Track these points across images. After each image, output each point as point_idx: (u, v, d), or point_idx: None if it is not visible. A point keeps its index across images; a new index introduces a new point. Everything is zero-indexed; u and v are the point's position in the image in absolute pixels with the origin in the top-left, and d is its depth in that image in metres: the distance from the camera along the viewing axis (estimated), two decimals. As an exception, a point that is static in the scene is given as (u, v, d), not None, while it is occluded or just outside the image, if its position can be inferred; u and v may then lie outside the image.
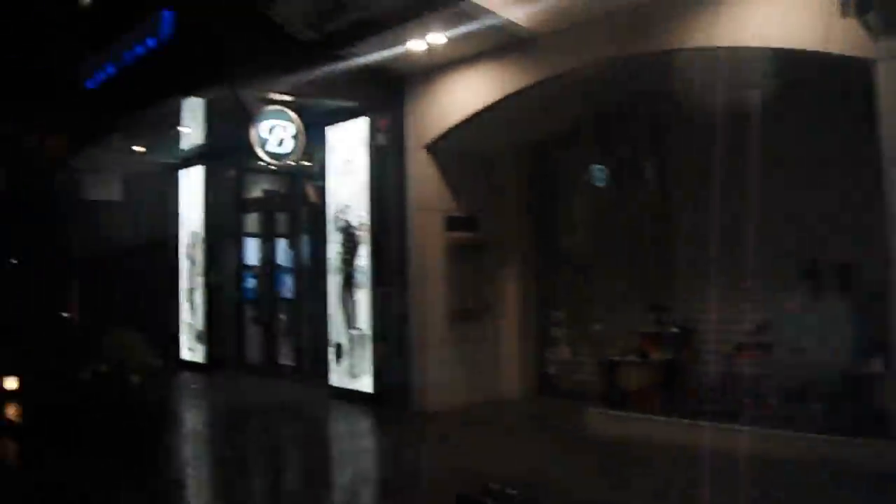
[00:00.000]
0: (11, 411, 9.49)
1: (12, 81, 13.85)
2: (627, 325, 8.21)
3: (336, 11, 7.44)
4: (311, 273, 11.23)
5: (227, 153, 12.23)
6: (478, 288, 9.49)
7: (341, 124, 9.57)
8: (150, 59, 9.70)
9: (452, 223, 9.17)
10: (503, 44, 7.81)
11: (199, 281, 12.94)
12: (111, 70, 10.79)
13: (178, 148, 12.61)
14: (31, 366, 11.35)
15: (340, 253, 9.52)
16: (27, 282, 20.87)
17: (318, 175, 11.16)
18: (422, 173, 9.02)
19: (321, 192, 10.33)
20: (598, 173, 9.03)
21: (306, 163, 11.38)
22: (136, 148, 12.75)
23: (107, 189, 14.34)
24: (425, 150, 8.97)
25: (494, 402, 9.25)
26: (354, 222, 9.31)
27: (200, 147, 12.40)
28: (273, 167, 12.27)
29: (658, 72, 7.18)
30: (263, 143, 8.51)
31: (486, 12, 7.07)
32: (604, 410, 7.54)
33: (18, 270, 23.72)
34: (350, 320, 9.38)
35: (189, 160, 13.19)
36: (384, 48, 7.86)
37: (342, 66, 8.31)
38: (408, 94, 9.11)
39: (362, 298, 9.22)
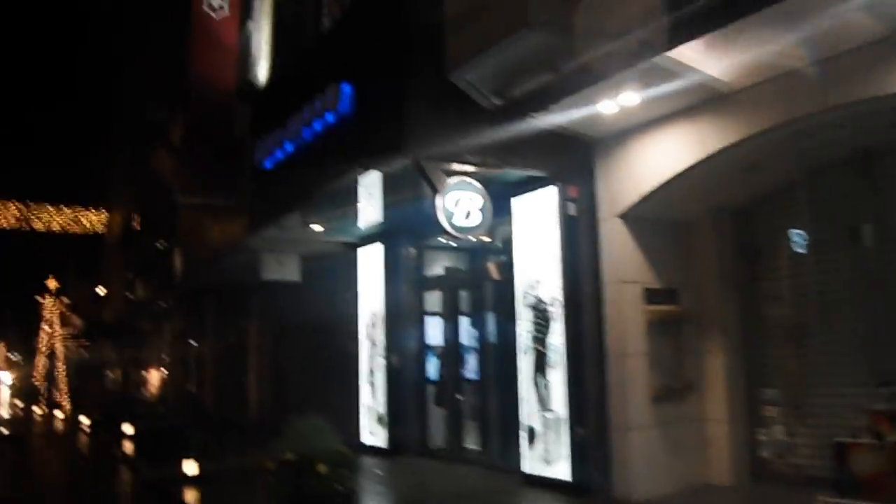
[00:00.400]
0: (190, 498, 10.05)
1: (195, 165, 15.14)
2: (851, 402, 7.89)
3: (523, 74, 7.78)
4: (498, 353, 11.44)
5: (406, 230, 12.82)
6: (680, 364, 9.41)
7: (528, 195, 9.85)
8: (329, 134, 10.42)
9: (650, 295, 9.19)
10: (700, 101, 7.90)
11: (380, 362, 13.32)
12: (289, 148, 11.61)
13: (356, 226, 13.27)
14: (212, 452, 12.06)
15: (531, 331, 9.71)
16: (210, 366, 22.27)
17: (501, 250, 11.52)
18: (616, 243, 9.13)
19: (504, 267, 10.60)
20: (809, 236, 8.87)
21: (486, 238, 11.74)
22: (314, 227, 13.50)
23: (285, 270, 15.17)
24: (619, 219, 9.10)
25: (704, 489, 9.05)
26: (545, 298, 9.50)
27: (379, 225, 12.98)
28: (453, 244, 12.96)
29: (877, 122, 7.09)
30: (450, 216, 8.91)
31: (683, 68, 7.22)
32: (834, 499, 7.25)
33: (200, 354, 25.43)
34: (543, 402, 9.50)
35: (368, 238, 13.81)
36: (573, 112, 8.07)
37: (528, 132, 8.57)
38: (598, 159, 9.30)
39: (556, 378, 9.34)
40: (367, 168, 9.76)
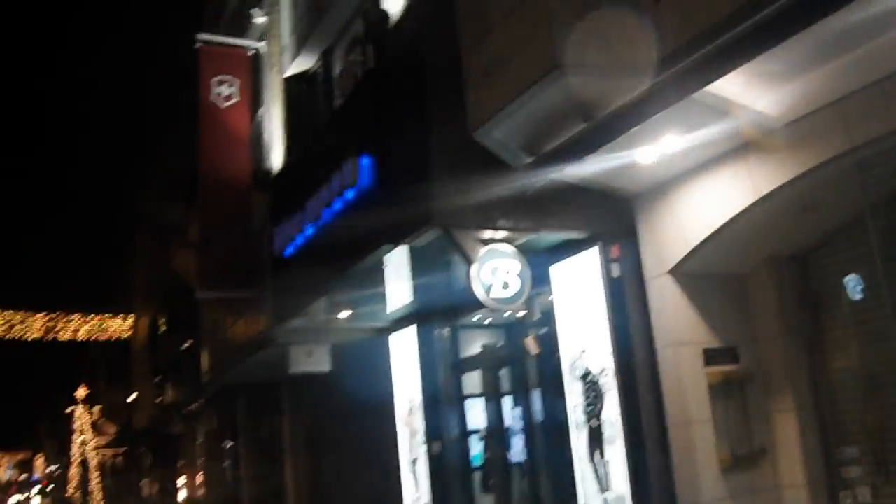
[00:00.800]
0: None
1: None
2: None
3: (554, 127, 7.22)
4: (547, 432, 10.74)
5: (439, 310, 12.21)
6: (748, 429, 8.66)
7: (567, 260, 9.23)
8: (350, 212, 9.92)
9: (710, 356, 8.50)
10: (746, 139, 7.32)
11: (421, 450, 12.58)
12: (309, 232, 11.13)
13: (386, 310, 12.71)
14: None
15: (582, 405, 9.00)
16: (246, 465, 21.73)
17: (541, 322, 10.92)
18: (667, 303, 8.48)
19: (546, 339, 10.04)
20: (876, 278, 8.17)
21: (522, 312, 11.20)
22: (341, 314, 13.01)
23: (315, 361, 14.64)
24: (668, 276, 8.46)
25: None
26: (595, 368, 8.81)
27: (410, 306, 12.43)
28: (489, 320, 12.36)
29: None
30: (487, 288, 8.29)
31: (726, 104, 6.66)
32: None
33: (235, 454, 24.91)
34: (602, 482, 8.73)
35: (399, 322, 13.22)
36: (610, 162, 7.53)
37: (563, 191, 8.14)
38: (640, 214, 8.72)
39: (614, 455, 8.58)
40: (393, 243, 9.21)
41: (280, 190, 14.00)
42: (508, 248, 8.50)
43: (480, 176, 8.11)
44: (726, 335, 8.70)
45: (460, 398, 12.65)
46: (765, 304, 8.93)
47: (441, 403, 12.50)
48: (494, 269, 8.37)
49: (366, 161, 9.54)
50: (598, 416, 8.79)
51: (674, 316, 8.47)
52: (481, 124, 7.39)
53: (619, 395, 8.55)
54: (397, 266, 10.74)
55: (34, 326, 42.15)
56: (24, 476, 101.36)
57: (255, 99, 16.19)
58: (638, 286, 8.72)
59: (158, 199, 33.63)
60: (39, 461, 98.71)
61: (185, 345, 27.18)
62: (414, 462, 12.77)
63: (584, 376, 8.97)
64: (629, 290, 8.76)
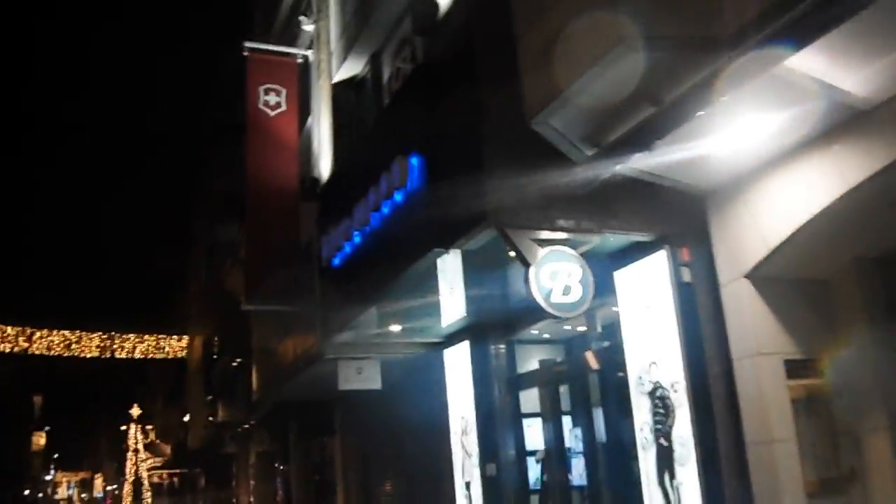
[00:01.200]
0: None
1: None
2: None
3: (619, 113, 6.57)
4: (611, 452, 10.00)
5: (493, 324, 11.66)
6: (835, 450, 7.89)
7: (632, 266, 8.55)
8: (399, 216, 9.37)
9: (792, 368, 7.74)
10: (834, 124, 6.60)
11: (475, 472, 11.95)
12: (357, 239, 10.63)
13: (438, 323, 12.13)
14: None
15: (650, 423, 8.27)
16: (297, 488, 21.39)
17: (602, 335, 10.29)
18: (744, 309, 7.75)
19: (610, 352, 9.40)
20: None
21: (580, 326, 10.60)
22: (392, 328, 12.49)
23: (365, 378, 14.15)
24: (745, 280, 7.73)
25: None
26: (665, 382, 8.09)
27: (464, 320, 11.83)
28: (545, 336, 11.74)
29: None
30: (546, 293, 7.63)
31: (809, 82, 5.96)
32: None
33: (286, 475, 24.60)
34: (673, 506, 8.02)
35: (452, 337, 12.65)
36: (680, 152, 6.85)
37: (628, 188, 7.52)
38: (713, 213, 8.03)
39: (687, 477, 7.82)
40: (444, 247, 8.62)
41: (328, 199, 13.57)
42: (569, 251, 7.83)
43: (538, 172, 7.52)
44: (809, 345, 7.94)
45: (517, 417, 12.05)
46: (851, 312, 8.11)
47: (497, 423, 11.93)
48: (554, 273, 7.70)
49: (415, 160, 8.97)
50: (667, 435, 8.06)
51: (751, 324, 7.73)
52: (538, 112, 6.73)
53: (692, 412, 7.82)
54: (449, 275, 10.16)
55: (91, 345, 42.46)
56: (84, 495, 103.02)
57: (303, 108, 15.83)
58: (711, 292, 8.03)
59: (213, 219, 33.69)
60: (99, 480, 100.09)
61: (235, 363, 26.94)
62: (468, 485, 12.18)
63: (653, 391, 8.26)
64: (701, 296, 8.07)
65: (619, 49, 5.84)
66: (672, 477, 8.00)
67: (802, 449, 7.60)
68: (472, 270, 10.08)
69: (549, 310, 7.62)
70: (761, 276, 7.71)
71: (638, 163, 7.20)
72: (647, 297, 8.39)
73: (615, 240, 8.31)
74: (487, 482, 11.71)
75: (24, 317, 45.34)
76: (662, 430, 8.11)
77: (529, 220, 7.65)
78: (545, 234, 7.78)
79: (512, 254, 7.86)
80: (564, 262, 7.77)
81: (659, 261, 8.24)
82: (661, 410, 8.12)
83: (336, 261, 11.92)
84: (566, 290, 7.68)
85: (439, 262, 9.75)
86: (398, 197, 9.31)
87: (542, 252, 7.66)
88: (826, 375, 7.95)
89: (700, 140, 6.74)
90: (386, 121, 11.39)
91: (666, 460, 8.08)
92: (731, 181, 7.70)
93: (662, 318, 8.17)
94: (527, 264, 7.55)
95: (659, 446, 8.16)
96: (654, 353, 8.27)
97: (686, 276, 8.10)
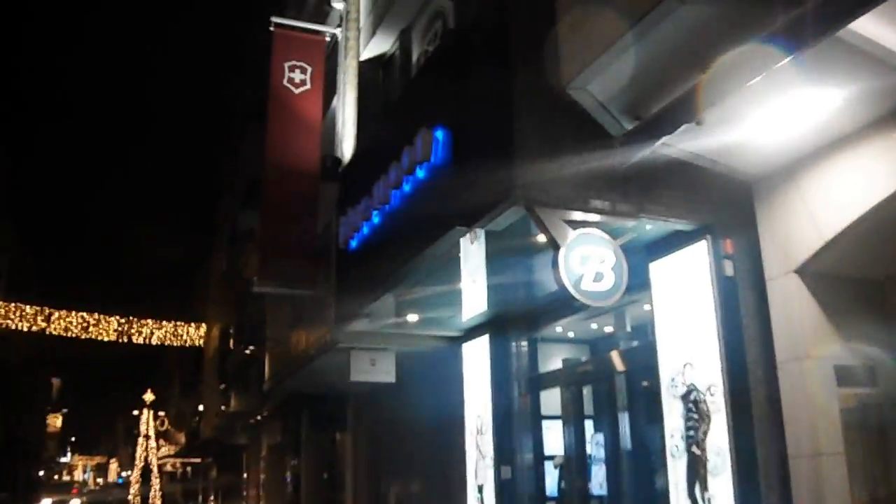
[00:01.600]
0: None
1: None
2: None
3: (663, 79, 5.93)
4: (636, 460, 9.46)
5: (516, 318, 11.13)
6: (889, 467, 7.26)
7: (669, 256, 7.91)
8: (421, 194, 8.80)
9: (842, 375, 7.12)
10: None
11: (489, 475, 11.42)
12: (376, 219, 10.10)
13: (457, 315, 11.55)
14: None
15: (682, 429, 7.62)
16: (307, 482, 21.05)
17: (632, 335, 9.70)
18: (792, 308, 7.13)
19: (639, 352, 8.80)
20: None
21: (607, 326, 10.10)
22: (408, 318, 11.95)
23: (378, 370, 13.63)
24: (794, 276, 7.10)
25: None
26: (701, 385, 7.43)
27: (484, 314, 11.24)
28: (569, 335, 11.15)
29: None
30: (576, 279, 6.98)
31: (879, 53, 5.31)
32: None
33: (296, 470, 24.21)
34: (704, 522, 7.36)
35: (472, 331, 12.09)
36: (729, 128, 6.23)
37: (670, 168, 6.94)
38: (761, 201, 7.42)
39: (721, 489, 7.17)
40: (467, 225, 8.00)
41: (349, 179, 13.08)
42: (603, 235, 7.18)
43: (572, 147, 6.97)
44: (862, 350, 7.31)
45: (536, 419, 11.52)
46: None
47: (514, 424, 11.44)
48: (585, 258, 7.06)
49: (440, 133, 8.38)
50: (701, 443, 7.41)
51: (799, 324, 7.10)
52: (576, 76, 6.14)
53: (729, 418, 7.18)
54: (471, 262, 9.60)
55: (109, 328, 42.33)
56: (100, 480, 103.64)
57: (328, 88, 15.33)
58: (755, 287, 7.42)
59: (236, 206, 33.43)
60: (114, 465, 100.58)
61: (248, 351, 26.56)
62: (480, 488, 11.66)
63: (687, 395, 7.60)
64: (744, 291, 7.45)
65: (666, 4, 5.21)
66: (704, 489, 7.34)
67: (851, 464, 6.97)
68: (496, 259, 9.54)
69: (579, 297, 6.96)
70: (813, 272, 7.08)
71: (681, 141, 6.62)
72: (683, 292, 7.76)
73: (652, 227, 7.67)
74: (501, 486, 11.20)
75: (44, 297, 45.48)
76: (695, 437, 7.46)
77: (561, 198, 7.03)
78: (577, 216, 7.16)
79: (540, 237, 7.25)
80: (597, 246, 7.13)
81: (699, 252, 7.60)
82: (695, 416, 7.47)
83: (353, 243, 11.47)
84: (597, 277, 7.04)
85: (462, 248, 9.19)
86: (420, 173, 8.76)
87: (572, 234, 7.02)
88: (880, 384, 7.32)
89: (750, 118, 6.12)
90: (411, 94, 10.88)
91: (698, 470, 7.42)
92: (782, 166, 7.07)
93: (700, 315, 7.53)
94: (556, 247, 6.91)
95: (691, 455, 7.51)
96: (689, 354, 7.63)
97: (728, 269, 7.47)
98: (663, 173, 7.10)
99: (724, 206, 7.50)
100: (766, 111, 6.13)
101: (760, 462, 7.09)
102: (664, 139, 6.37)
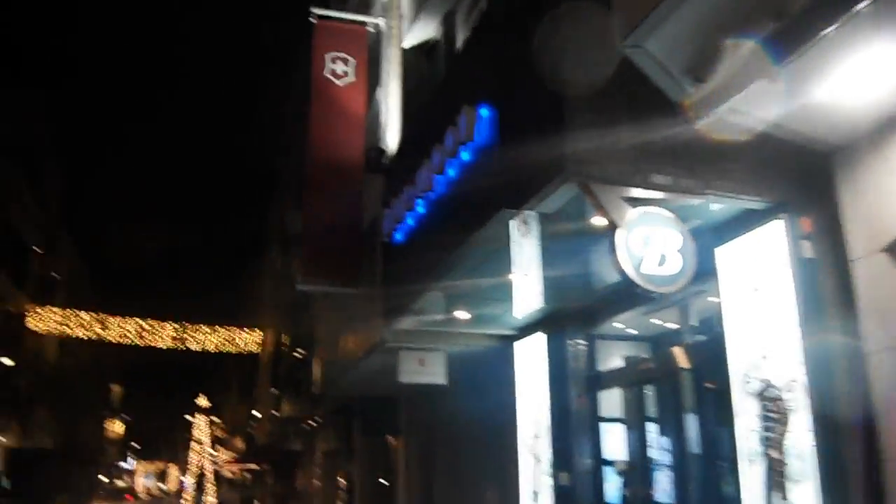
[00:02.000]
0: None
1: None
2: None
3: (732, 34, 5.23)
4: (706, 465, 8.81)
5: (573, 314, 10.65)
6: None
7: (738, 239, 7.20)
8: (467, 178, 8.24)
9: (944, 369, 6.32)
10: None
11: (546, 481, 10.96)
12: (420, 209, 9.60)
13: (510, 312, 10.96)
14: None
15: (758, 430, 6.91)
16: (360, 489, 20.82)
17: (698, 329, 9.04)
18: (882, 291, 6.34)
19: (704, 351, 8.14)
20: None
21: (671, 323, 9.64)
22: (458, 315, 11.45)
23: (428, 371, 13.24)
24: (884, 255, 6.32)
25: None
26: (778, 381, 6.71)
27: (539, 310, 10.62)
28: (630, 331, 10.71)
29: None
30: (637, 262, 6.32)
31: None
32: None
33: (349, 476, 23.90)
34: (783, 534, 6.64)
35: (526, 328, 11.63)
36: (808, 86, 5.52)
37: (738, 138, 6.20)
38: (843, 174, 6.63)
39: (803, 498, 6.45)
40: (516, 207, 7.42)
41: (393, 171, 12.64)
42: (666, 213, 6.52)
43: (629, 117, 6.33)
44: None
45: (594, 421, 11.00)
46: None
47: (571, 426, 10.90)
48: (647, 239, 6.41)
49: (485, 111, 7.81)
50: (779, 446, 6.70)
51: (891, 309, 6.29)
52: (632, 31, 5.43)
53: (812, 417, 6.45)
54: (523, 253, 9.00)
55: (163, 335, 42.75)
56: (162, 485, 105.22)
57: (372, 79, 14.97)
58: (838, 270, 6.64)
59: (286, 208, 33.39)
60: (174, 471, 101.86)
61: (299, 355, 26.40)
62: (536, 495, 11.20)
63: (762, 392, 6.88)
64: (825, 275, 6.69)
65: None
66: (783, 497, 6.62)
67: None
68: (550, 248, 8.90)
69: (640, 282, 6.30)
70: (903, 251, 6.30)
71: (752, 107, 5.90)
72: (756, 278, 7.04)
73: (719, 206, 6.97)
74: (558, 494, 10.72)
75: (101, 305, 46.09)
76: (773, 438, 6.74)
77: (617, 174, 6.38)
78: (637, 192, 6.50)
79: (597, 219, 6.60)
80: (660, 226, 6.47)
81: (774, 233, 6.87)
82: (773, 415, 6.75)
83: (398, 235, 11.06)
84: (661, 261, 6.38)
85: (513, 236, 8.61)
86: (465, 154, 8.24)
87: (632, 213, 6.37)
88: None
89: (830, 77, 5.40)
90: (454, 74, 10.45)
91: (777, 476, 6.70)
92: (867, 133, 6.30)
93: (776, 303, 6.81)
94: (614, 227, 6.26)
95: (768, 459, 6.79)
96: (764, 346, 6.91)
97: (807, 250, 6.71)
98: (732, 145, 6.40)
99: (801, 181, 6.76)
100: (849, 68, 5.41)
101: (850, 466, 6.33)
102: (733, 103, 5.67)
